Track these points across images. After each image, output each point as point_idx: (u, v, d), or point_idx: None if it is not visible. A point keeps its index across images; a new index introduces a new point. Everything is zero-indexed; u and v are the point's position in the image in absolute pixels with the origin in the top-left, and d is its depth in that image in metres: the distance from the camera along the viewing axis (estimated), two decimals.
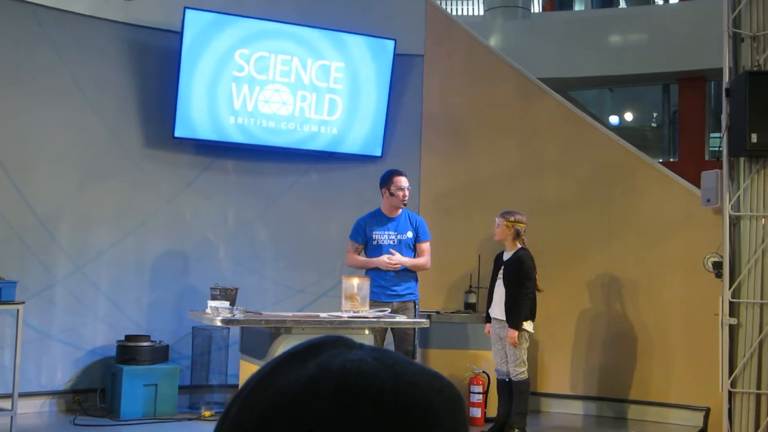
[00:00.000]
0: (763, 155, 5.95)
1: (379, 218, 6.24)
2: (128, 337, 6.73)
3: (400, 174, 6.20)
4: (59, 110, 6.89)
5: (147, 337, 6.76)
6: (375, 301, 5.96)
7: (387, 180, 6.19)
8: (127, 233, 7.12)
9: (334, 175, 7.83)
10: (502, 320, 6.20)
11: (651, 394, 7.03)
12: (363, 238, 6.22)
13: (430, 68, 8.05)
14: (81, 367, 6.85)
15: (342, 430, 0.62)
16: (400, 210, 6.23)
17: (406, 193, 6.15)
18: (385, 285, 6.17)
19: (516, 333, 6.08)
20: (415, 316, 6.16)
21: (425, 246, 6.29)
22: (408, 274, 6.26)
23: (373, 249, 6.21)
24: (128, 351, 6.62)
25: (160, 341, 6.83)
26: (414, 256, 6.25)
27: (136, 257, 7.15)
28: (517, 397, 6.15)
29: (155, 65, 7.27)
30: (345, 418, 0.63)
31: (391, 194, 6.14)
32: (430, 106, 8.02)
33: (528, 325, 6.15)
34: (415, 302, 6.30)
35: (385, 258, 6.12)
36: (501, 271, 6.30)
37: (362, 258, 6.23)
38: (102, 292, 6.98)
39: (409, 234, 6.23)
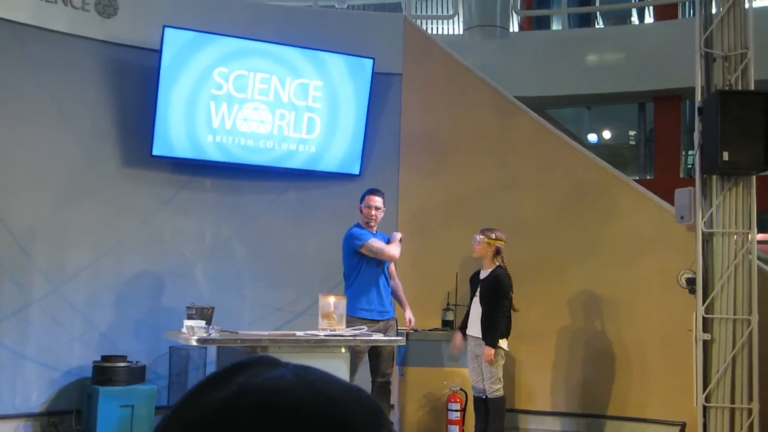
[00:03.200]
0: (734, 173, 6.03)
1: (364, 230, 6.29)
2: (104, 358, 6.67)
3: (374, 193, 6.28)
4: (36, 128, 6.87)
5: (123, 358, 6.71)
6: (363, 320, 6.01)
7: (362, 197, 6.30)
8: (104, 252, 7.09)
9: (313, 194, 7.84)
10: (479, 338, 6.22)
11: (628, 410, 7.07)
12: (371, 236, 6.24)
13: (408, 87, 8.10)
14: (56, 388, 6.78)
15: None
16: (374, 230, 6.30)
17: (373, 212, 6.19)
18: (383, 302, 6.22)
19: (492, 351, 6.11)
20: (396, 334, 6.20)
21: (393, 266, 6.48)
22: (390, 292, 6.33)
23: (360, 260, 6.22)
24: (104, 371, 6.55)
25: (137, 361, 6.78)
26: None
27: (113, 276, 7.12)
28: (493, 414, 6.17)
29: (133, 83, 7.27)
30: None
31: (361, 211, 6.23)
32: (409, 124, 8.06)
33: (503, 343, 6.18)
34: (395, 320, 6.36)
35: (398, 234, 6.36)
36: (478, 290, 6.33)
37: (393, 245, 6.25)
38: (78, 312, 6.94)
39: None
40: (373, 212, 6.22)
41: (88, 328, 6.95)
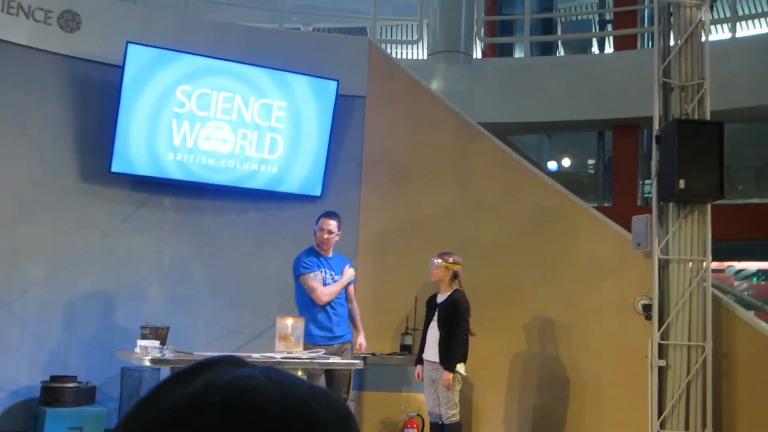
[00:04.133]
0: (690, 201, 6.13)
1: (313, 254, 6.28)
2: (53, 378, 6.50)
3: (328, 216, 6.29)
4: None
5: (73, 378, 6.55)
6: (315, 344, 5.97)
7: (317, 220, 6.30)
8: (57, 269, 6.96)
9: (273, 214, 7.80)
10: (436, 362, 6.21)
11: None
12: (318, 268, 6.22)
13: (371, 110, 8.12)
14: (2, 408, 6.58)
15: None
16: (331, 252, 6.31)
17: (326, 236, 6.20)
18: (330, 327, 6.18)
19: (450, 375, 6.09)
20: (351, 357, 6.17)
21: (353, 289, 6.48)
22: (346, 314, 6.30)
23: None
24: (53, 392, 6.38)
25: (87, 382, 6.63)
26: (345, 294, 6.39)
27: (67, 294, 6.99)
28: None
29: (95, 99, 7.20)
30: (231, 430, 0.63)
31: (315, 233, 6.22)
32: (371, 147, 8.08)
33: (461, 368, 6.17)
34: (351, 343, 6.33)
35: (351, 271, 6.32)
36: (436, 314, 6.32)
37: (333, 285, 6.23)
38: (28, 330, 6.78)
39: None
40: (326, 236, 6.21)
41: (37, 347, 6.80)
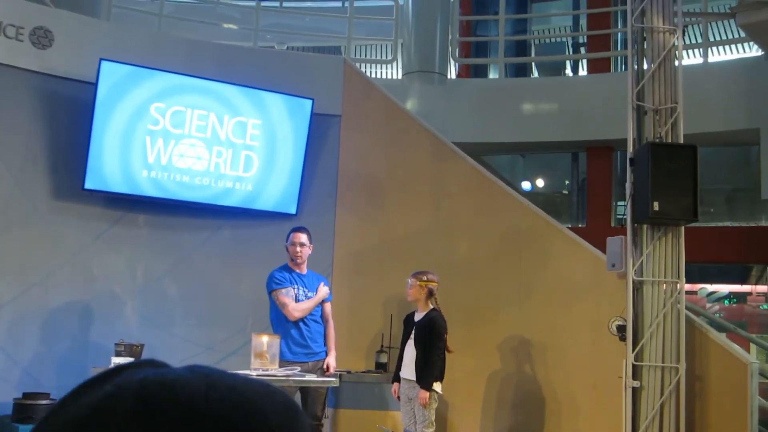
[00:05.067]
0: (664, 223, 6.18)
1: (286, 270, 6.30)
2: (26, 395, 6.43)
3: (297, 231, 6.36)
4: None
5: (47, 395, 6.48)
6: (289, 362, 5.94)
7: (287, 236, 6.32)
8: (29, 286, 6.87)
9: (248, 232, 7.76)
10: (412, 381, 6.20)
11: None
12: (290, 284, 6.23)
13: (347, 128, 8.13)
14: None
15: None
16: (305, 268, 6.32)
17: (298, 249, 6.24)
18: (305, 344, 6.17)
19: (427, 394, 6.09)
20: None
21: (329, 307, 6.43)
22: (321, 331, 6.28)
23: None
24: (25, 409, 6.31)
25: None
26: (321, 312, 6.36)
27: (39, 311, 6.90)
28: None
29: (67, 115, 7.14)
30: (148, 429, 0.58)
31: (287, 250, 6.28)
32: (346, 165, 8.08)
33: (437, 386, 6.17)
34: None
35: (325, 289, 6.33)
36: (413, 332, 6.32)
37: (306, 302, 6.23)
38: (0, 347, 6.69)
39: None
40: (298, 249, 6.26)
41: (9, 365, 6.70)
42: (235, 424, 0.59)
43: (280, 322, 6.20)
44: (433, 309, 6.32)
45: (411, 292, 6.40)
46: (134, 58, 7.25)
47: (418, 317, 6.37)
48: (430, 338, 6.17)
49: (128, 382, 0.62)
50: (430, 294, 6.35)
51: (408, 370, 6.26)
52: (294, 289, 6.22)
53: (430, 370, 6.12)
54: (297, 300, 6.20)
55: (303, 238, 6.30)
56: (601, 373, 6.78)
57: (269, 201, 7.74)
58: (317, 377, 5.93)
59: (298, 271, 6.33)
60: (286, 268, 6.35)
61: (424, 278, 6.37)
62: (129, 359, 5.35)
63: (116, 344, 5.98)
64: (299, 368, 5.86)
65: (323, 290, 6.36)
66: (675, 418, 6.04)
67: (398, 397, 6.40)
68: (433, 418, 6.16)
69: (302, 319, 6.16)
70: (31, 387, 6.59)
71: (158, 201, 7.36)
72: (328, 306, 6.47)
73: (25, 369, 6.76)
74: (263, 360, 5.45)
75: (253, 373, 5.31)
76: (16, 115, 6.97)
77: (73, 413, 0.61)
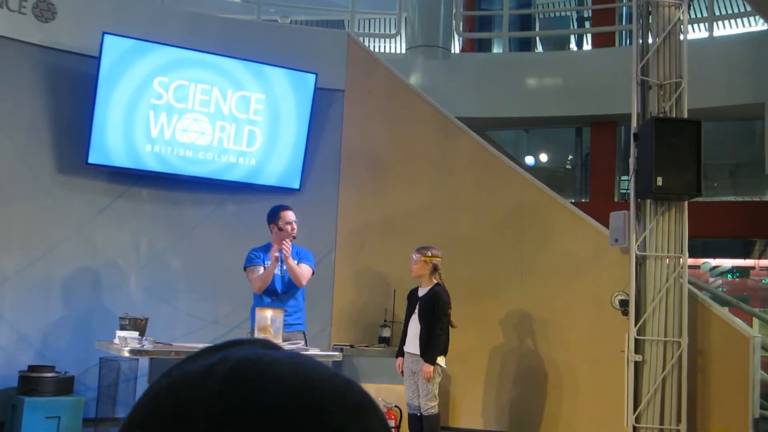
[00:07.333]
0: (667, 198, 6.18)
1: (269, 251, 6.23)
2: (31, 368, 6.49)
3: (287, 209, 6.23)
4: None
5: (51, 368, 6.54)
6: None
7: (274, 215, 6.19)
8: (34, 260, 6.90)
9: (251, 207, 7.76)
10: (416, 355, 6.23)
11: (559, 429, 7.14)
12: (261, 262, 6.18)
13: (350, 103, 8.11)
14: None
15: (226, 413, 0.61)
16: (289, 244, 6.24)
17: (294, 226, 6.16)
18: None
19: (431, 368, 6.12)
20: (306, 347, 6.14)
21: (305, 268, 6.27)
22: (298, 304, 6.23)
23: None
24: (31, 382, 6.38)
25: (65, 372, 6.61)
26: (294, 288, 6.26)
27: (43, 285, 6.93)
28: (428, 431, 6.18)
29: (70, 90, 7.13)
30: (229, 402, 0.61)
31: (280, 229, 6.13)
32: (350, 140, 8.07)
33: (441, 360, 6.20)
34: (304, 333, 6.25)
35: (285, 243, 6.04)
36: (417, 307, 6.34)
37: (261, 275, 6.14)
38: (5, 321, 6.73)
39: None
40: (291, 227, 6.16)
41: (15, 337, 6.75)
42: (300, 419, 0.61)
43: (256, 296, 6.24)
44: (437, 284, 6.33)
45: (415, 268, 6.40)
46: (137, 32, 7.23)
47: (422, 292, 6.38)
48: (434, 313, 6.19)
49: (232, 355, 0.65)
50: (435, 269, 6.36)
51: (412, 345, 6.29)
52: (263, 267, 6.20)
53: (433, 344, 6.14)
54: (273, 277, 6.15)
55: (293, 215, 6.23)
56: (603, 347, 6.81)
57: (272, 176, 7.74)
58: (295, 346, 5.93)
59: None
60: (268, 247, 6.26)
61: (428, 254, 6.38)
62: (133, 333, 5.39)
63: (121, 318, 6.01)
64: (302, 342, 5.87)
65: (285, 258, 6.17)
66: (677, 391, 6.08)
67: (402, 372, 6.44)
68: (437, 392, 6.21)
69: (274, 292, 6.13)
70: (36, 360, 6.65)
71: (161, 175, 7.36)
72: (304, 268, 6.32)
73: (31, 342, 6.81)
74: (267, 334, 5.47)
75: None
76: (19, 88, 6.96)
77: (179, 375, 0.65)
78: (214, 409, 0.61)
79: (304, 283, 6.19)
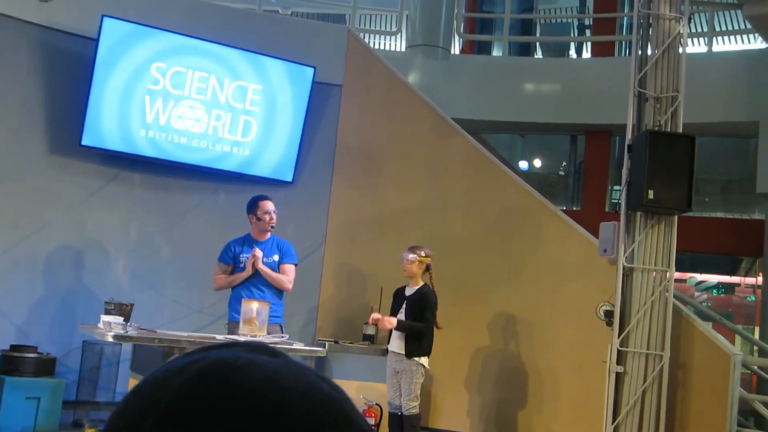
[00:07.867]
0: (658, 211, 6.21)
1: (247, 242, 6.28)
2: (13, 347, 6.47)
3: (266, 199, 6.29)
4: None
5: (33, 348, 6.52)
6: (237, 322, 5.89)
7: (253, 206, 6.26)
8: (21, 238, 6.88)
9: (243, 197, 7.67)
10: (400, 354, 6.23)
11: None
12: (231, 259, 6.26)
13: (347, 99, 8.11)
14: None
15: (181, 410, 0.61)
16: (269, 235, 6.27)
17: (273, 216, 6.21)
18: None
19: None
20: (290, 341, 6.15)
21: (288, 267, 6.29)
22: (273, 296, 6.22)
23: (240, 271, 6.24)
24: (12, 361, 6.36)
25: (47, 353, 6.59)
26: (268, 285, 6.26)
27: (30, 264, 6.91)
28: (408, 430, 6.19)
29: (66, 70, 7.10)
30: (198, 397, 0.61)
31: (258, 219, 6.17)
32: (345, 136, 8.07)
33: (424, 361, 6.20)
34: (281, 326, 6.25)
35: (256, 252, 6.07)
36: (404, 306, 6.33)
37: (227, 277, 6.23)
38: None
39: (275, 257, 6.28)
40: (270, 216, 6.20)
41: None
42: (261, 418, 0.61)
43: (232, 288, 6.28)
44: (425, 284, 6.33)
45: (409, 267, 6.33)
46: (137, 16, 7.20)
47: (409, 291, 6.38)
48: (422, 312, 6.18)
49: (209, 355, 0.65)
50: (427, 269, 6.36)
51: (396, 344, 6.28)
52: (230, 266, 6.24)
53: (419, 341, 6.13)
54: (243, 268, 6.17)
55: (272, 205, 6.26)
56: (586, 355, 6.84)
57: (266, 167, 7.73)
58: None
59: (258, 239, 6.27)
60: (247, 237, 6.29)
61: (422, 253, 6.36)
62: (118, 318, 5.38)
63: (106, 302, 5.98)
64: (287, 335, 5.88)
65: (248, 269, 6.17)
66: (656, 404, 6.11)
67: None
68: (419, 392, 6.21)
69: (249, 289, 6.15)
70: (20, 339, 6.62)
71: (155, 161, 7.34)
72: (289, 267, 6.33)
73: (14, 321, 6.78)
74: (252, 326, 5.48)
75: (241, 339, 5.34)
76: (15, 67, 6.93)
77: (153, 374, 0.67)
78: (172, 405, 0.62)
79: (288, 286, 6.23)
